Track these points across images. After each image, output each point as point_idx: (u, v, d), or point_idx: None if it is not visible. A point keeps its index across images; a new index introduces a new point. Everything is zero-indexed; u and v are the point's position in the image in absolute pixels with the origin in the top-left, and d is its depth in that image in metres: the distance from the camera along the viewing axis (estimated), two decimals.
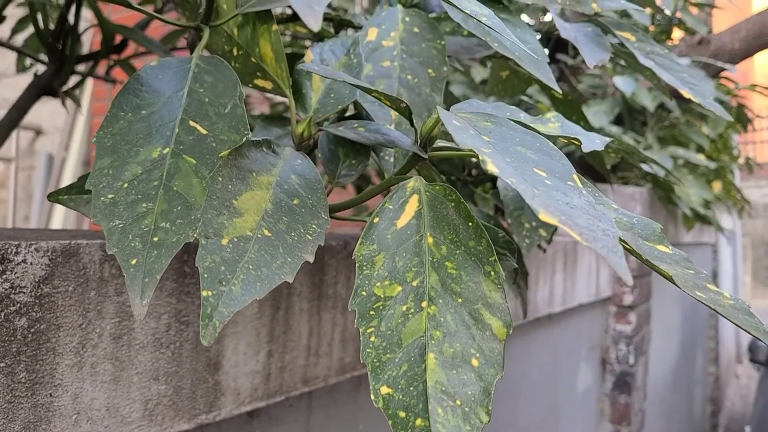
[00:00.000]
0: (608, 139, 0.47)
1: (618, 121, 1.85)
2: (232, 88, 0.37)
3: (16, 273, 0.35)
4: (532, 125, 0.45)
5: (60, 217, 3.09)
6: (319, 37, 0.73)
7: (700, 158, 1.63)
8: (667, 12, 2.16)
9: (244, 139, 0.35)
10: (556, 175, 0.32)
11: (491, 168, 0.29)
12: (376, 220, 0.35)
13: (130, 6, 0.40)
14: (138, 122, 0.35)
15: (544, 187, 0.30)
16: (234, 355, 0.47)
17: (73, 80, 0.98)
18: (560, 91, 0.50)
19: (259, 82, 0.46)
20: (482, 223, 0.42)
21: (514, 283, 0.60)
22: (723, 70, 1.78)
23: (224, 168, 0.33)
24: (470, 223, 0.34)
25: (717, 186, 2.33)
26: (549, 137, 0.45)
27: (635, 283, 1.62)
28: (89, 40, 2.52)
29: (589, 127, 0.73)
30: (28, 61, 1.24)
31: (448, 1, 0.36)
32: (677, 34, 2.31)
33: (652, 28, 2.19)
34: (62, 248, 0.38)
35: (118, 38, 0.98)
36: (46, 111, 3.30)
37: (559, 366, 1.32)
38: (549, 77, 0.49)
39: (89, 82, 2.88)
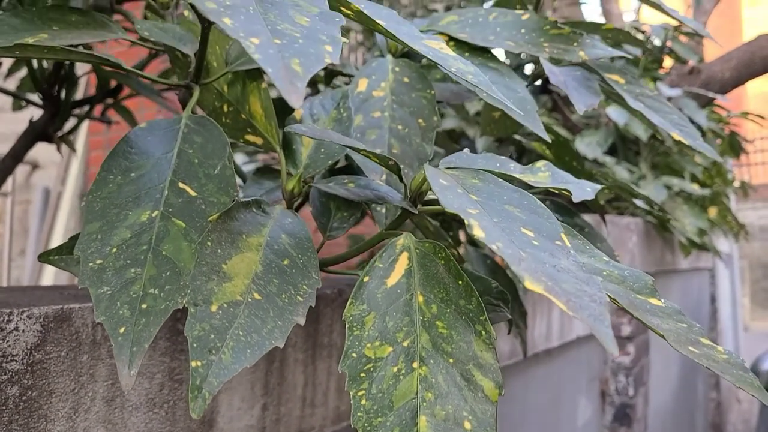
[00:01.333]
0: (599, 187, 0.47)
1: (611, 150, 1.86)
2: (221, 149, 0.37)
3: (8, 341, 0.35)
4: (522, 176, 0.45)
5: None
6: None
7: (694, 187, 1.64)
8: (658, 42, 2.19)
9: (234, 201, 0.35)
10: (543, 234, 0.32)
11: (477, 232, 0.29)
12: (366, 278, 0.35)
13: (124, 69, 0.41)
14: (127, 185, 0.36)
15: (532, 249, 0.30)
16: (228, 411, 0.47)
17: (69, 122, 0.99)
18: (549, 140, 0.50)
19: (250, 138, 0.46)
20: (475, 274, 0.42)
21: (509, 333, 0.59)
22: (713, 101, 1.80)
23: (213, 232, 0.33)
24: (460, 282, 0.34)
25: (713, 211, 2.34)
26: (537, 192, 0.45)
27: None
28: (84, 80, 2.54)
29: (582, 167, 0.74)
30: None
31: (435, 61, 0.36)
32: (668, 62, 2.34)
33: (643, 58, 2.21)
34: (54, 313, 0.37)
35: (113, 82, 0.99)
36: (42, 145, 3.31)
37: (558, 401, 1.31)
38: (538, 126, 0.50)
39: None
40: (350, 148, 0.38)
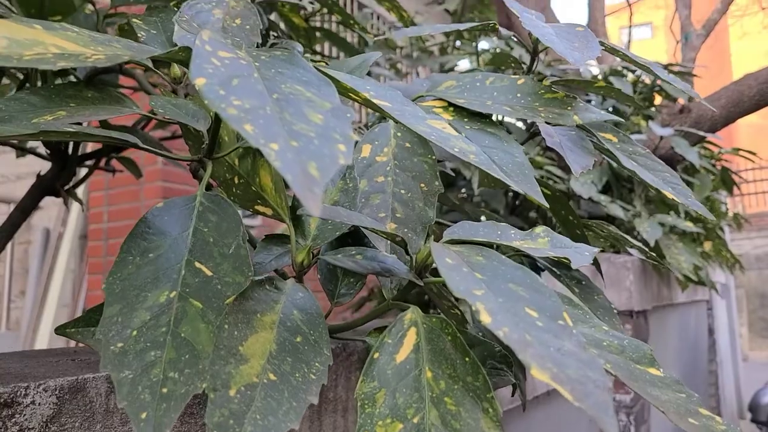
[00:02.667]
0: (596, 251, 0.49)
1: (606, 189, 1.89)
2: (235, 228, 0.39)
3: (24, 415, 0.36)
4: (522, 243, 0.47)
5: (56, 292, 3.08)
6: None
7: (688, 225, 1.66)
8: (647, 80, 2.24)
9: (248, 281, 0.36)
10: (547, 313, 0.34)
11: (484, 318, 0.30)
12: (376, 355, 0.36)
13: (140, 147, 0.43)
14: (146, 266, 0.37)
15: (536, 331, 0.32)
16: None
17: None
18: (547, 206, 0.52)
19: (260, 208, 0.48)
20: (479, 338, 0.44)
21: (513, 395, 0.60)
22: (704, 138, 1.83)
23: (230, 314, 0.35)
24: (467, 358, 0.36)
25: (708, 245, 2.36)
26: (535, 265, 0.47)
27: None
28: None
29: (577, 220, 0.75)
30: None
31: (438, 144, 0.38)
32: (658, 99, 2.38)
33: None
34: (69, 385, 0.39)
35: None
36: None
37: None
38: (536, 192, 0.51)
39: None
40: (360, 227, 0.39)
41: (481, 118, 0.58)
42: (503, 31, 0.68)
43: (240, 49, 0.36)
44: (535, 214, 1.72)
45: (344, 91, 0.38)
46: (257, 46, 0.57)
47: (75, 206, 3.25)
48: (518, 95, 0.60)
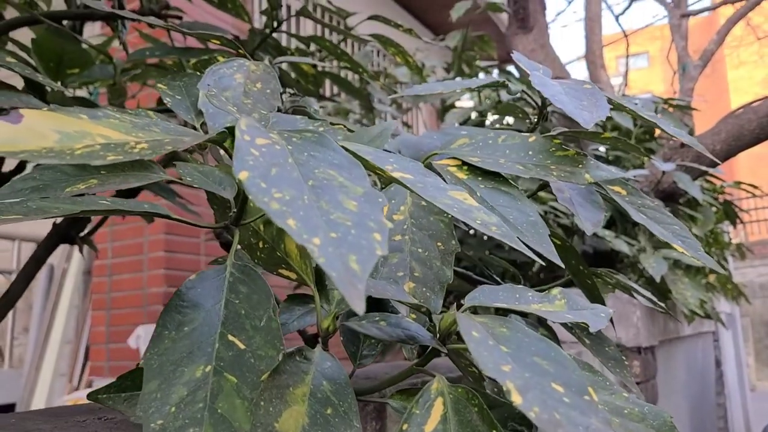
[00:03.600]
0: (611, 312, 0.50)
1: (610, 223, 1.90)
2: (266, 300, 0.40)
3: None
4: (540, 306, 0.48)
5: (60, 329, 3.08)
6: None
7: (693, 259, 1.67)
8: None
9: (281, 355, 0.38)
10: (572, 389, 0.35)
11: (516, 399, 0.32)
12: (405, 426, 0.37)
13: (172, 218, 0.44)
14: (181, 340, 0.38)
15: (564, 409, 0.33)
16: None
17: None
18: (562, 265, 0.53)
19: (284, 272, 0.49)
20: (499, 399, 0.45)
21: None
22: (706, 173, 1.85)
23: (265, 391, 0.36)
24: (494, 431, 0.37)
25: (712, 277, 2.36)
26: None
27: (641, 387, 1.62)
28: None
29: (587, 269, 0.77)
30: None
31: (459, 217, 0.40)
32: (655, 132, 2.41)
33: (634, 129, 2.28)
34: None
35: None
36: (47, 223, 3.36)
37: None
38: (551, 252, 0.53)
39: None
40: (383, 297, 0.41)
41: (495, 176, 0.60)
42: (513, 87, 0.70)
43: (274, 132, 0.38)
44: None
45: (371, 168, 0.40)
46: (278, 110, 0.59)
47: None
48: (530, 153, 0.61)
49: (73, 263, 3.18)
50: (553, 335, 0.88)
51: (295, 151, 0.36)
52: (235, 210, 0.47)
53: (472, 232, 1.95)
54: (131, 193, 1.04)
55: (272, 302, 0.40)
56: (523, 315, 0.88)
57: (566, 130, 0.75)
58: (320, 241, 0.29)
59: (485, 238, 1.91)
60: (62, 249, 3.25)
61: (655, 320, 1.77)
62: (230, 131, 0.40)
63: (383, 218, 0.32)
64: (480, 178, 0.60)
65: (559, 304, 0.49)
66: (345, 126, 0.55)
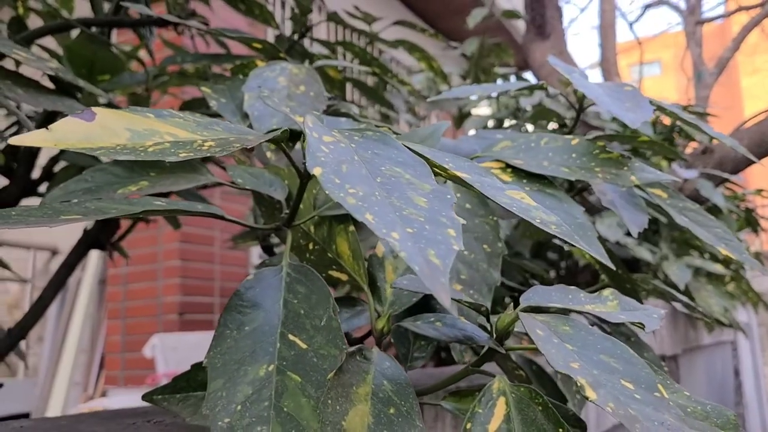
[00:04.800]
0: (663, 313, 0.49)
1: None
2: (325, 300, 0.40)
3: None
4: (593, 307, 0.48)
5: (75, 338, 3.09)
6: None
7: (717, 267, 1.66)
8: (667, 121, 2.26)
9: (344, 355, 0.37)
10: (642, 386, 0.34)
11: (590, 394, 0.31)
12: (468, 425, 0.37)
13: (226, 218, 0.44)
14: (243, 339, 0.38)
15: (637, 405, 0.32)
16: None
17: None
18: (614, 268, 0.53)
19: (334, 274, 0.49)
20: (554, 403, 0.44)
21: None
22: (727, 180, 1.84)
23: (331, 389, 0.35)
24: (560, 430, 0.36)
25: (731, 286, 2.34)
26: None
27: None
28: None
29: (625, 273, 0.76)
30: None
31: (518, 214, 0.39)
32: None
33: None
34: None
35: None
36: (61, 231, 3.38)
37: None
38: (601, 254, 0.52)
39: None
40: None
41: (539, 178, 0.60)
42: (551, 90, 0.70)
43: (335, 131, 0.38)
44: (556, 255, 1.73)
45: (432, 167, 0.40)
46: (323, 112, 0.59)
47: (94, 251, 3.28)
48: (573, 156, 0.61)
49: (88, 272, 3.20)
50: None
51: (359, 149, 0.36)
52: (287, 211, 0.47)
53: None
54: (165, 194, 1.04)
55: (332, 302, 0.40)
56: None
57: (602, 134, 0.75)
58: (399, 236, 0.28)
59: (506, 244, 1.91)
60: None
61: (677, 329, 1.75)
62: (291, 131, 0.40)
63: (454, 214, 0.32)
64: (525, 181, 0.60)
65: (612, 305, 0.48)
66: (389, 128, 0.55)
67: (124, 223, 1.08)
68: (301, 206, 0.49)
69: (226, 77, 0.63)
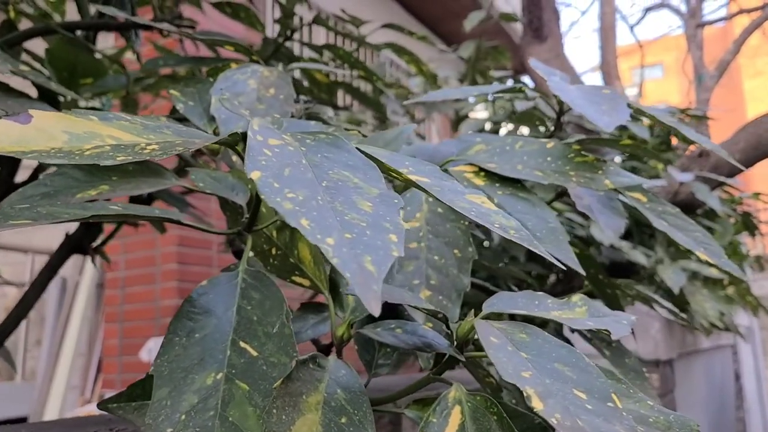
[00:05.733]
0: (634, 319, 0.48)
1: (627, 234, 1.88)
2: (278, 306, 0.39)
3: None
4: (560, 313, 0.47)
5: (72, 342, 3.09)
6: None
7: (713, 271, 1.64)
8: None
9: (294, 362, 0.36)
10: (595, 395, 0.33)
11: (536, 404, 0.30)
12: None
13: (183, 223, 0.43)
14: (192, 346, 0.37)
15: (587, 415, 0.31)
16: None
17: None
18: (584, 273, 0.52)
19: (297, 279, 0.48)
20: (518, 410, 0.43)
21: None
22: (723, 183, 1.82)
23: (278, 398, 0.35)
24: None
25: (731, 289, 2.33)
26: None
27: (659, 402, 1.59)
28: None
29: (606, 279, 0.75)
30: None
31: (477, 221, 0.38)
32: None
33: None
34: None
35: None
36: (59, 235, 3.37)
37: None
38: (571, 259, 0.51)
39: None
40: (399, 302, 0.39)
41: (514, 182, 0.59)
42: (530, 92, 0.69)
43: (286, 134, 0.37)
44: None
45: (386, 171, 0.39)
46: (291, 115, 0.59)
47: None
48: (548, 159, 0.60)
49: (86, 276, 3.19)
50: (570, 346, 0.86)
51: (309, 153, 0.35)
52: (247, 216, 0.46)
53: (486, 243, 1.94)
54: (146, 204, 1.04)
55: (285, 308, 0.39)
56: (542, 326, 0.87)
57: (585, 137, 0.74)
58: (334, 242, 0.28)
59: (501, 249, 1.90)
60: (75, 262, 3.26)
61: (673, 333, 1.74)
62: (243, 134, 0.39)
63: (399, 219, 0.31)
64: (497, 185, 0.59)
65: (580, 311, 0.47)
66: (359, 132, 0.54)
67: (109, 227, 1.08)
68: (264, 210, 0.49)
69: (198, 80, 0.62)
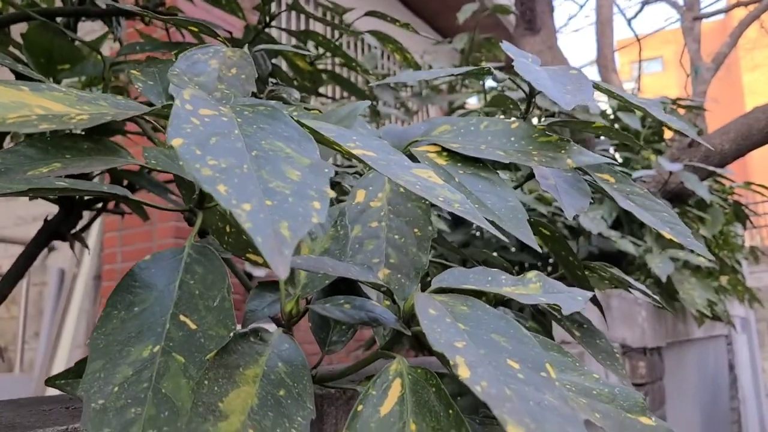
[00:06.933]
0: (590, 295, 0.48)
1: (616, 224, 1.88)
2: (220, 280, 0.39)
3: None
4: (513, 289, 0.47)
5: (70, 333, 3.09)
6: None
7: (701, 260, 1.64)
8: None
9: (231, 334, 0.36)
10: (529, 365, 0.33)
11: (463, 372, 0.30)
12: (360, 407, 0.36)
13: (131, 200, 0.43)
14: (130, 320, 0.37)
15: (516, 384, 0.31)
16: None
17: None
18: (539, 249, 0.52)
19: (251, 257, 0.48)
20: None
21: None
22: (714, 173, 1.82)
23: (210, 370, 0.34)
24: (450, 411, 0.35)
25: (724, 279, 2.32)
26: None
27: (647, 389, 1.59)
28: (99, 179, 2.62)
29: (578, 262, 0.75)
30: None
31: (421, 195, 0.38)
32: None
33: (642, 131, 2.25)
34: None
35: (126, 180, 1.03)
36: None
37: None
38: (527, 236, 0.51)
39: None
40: (345, 277, 0.39)
41: (476, 162, 0.58)
42: (498, 74, 0.69)
43: (224, 106, 0.37)
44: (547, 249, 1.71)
45: (328, 143, 0.39)
46: (253, 95, 0.58)
47: (90, 246, 3.28)
48: (512, 139, 0.60)
49: (84, 268, 3.20)
50: (546, 330, 0.86)
51: (245, 124, 0.35)
52: (197, 193, 0.46)
53: (478, 234, 1.94)
54: (131, 189, 1.04)
55: (227, 282, 0.39)
56: (521, 309, 0.87)
57: (558, 120, 0.74)
58: (251, 207, 0.27)
59: (493, 240, 1.89)
60: (72, 254, 3.27)
61: (662, 321, 1.74)
62: None
63: (327, 188, 0.31)
64: (460, 164, 0.59)
65: (534, 287, 0.47)
66: (318, 111, 0.54)
67: (89, 215, 1.08)
68: None
69: (161, 61, 0.62)
